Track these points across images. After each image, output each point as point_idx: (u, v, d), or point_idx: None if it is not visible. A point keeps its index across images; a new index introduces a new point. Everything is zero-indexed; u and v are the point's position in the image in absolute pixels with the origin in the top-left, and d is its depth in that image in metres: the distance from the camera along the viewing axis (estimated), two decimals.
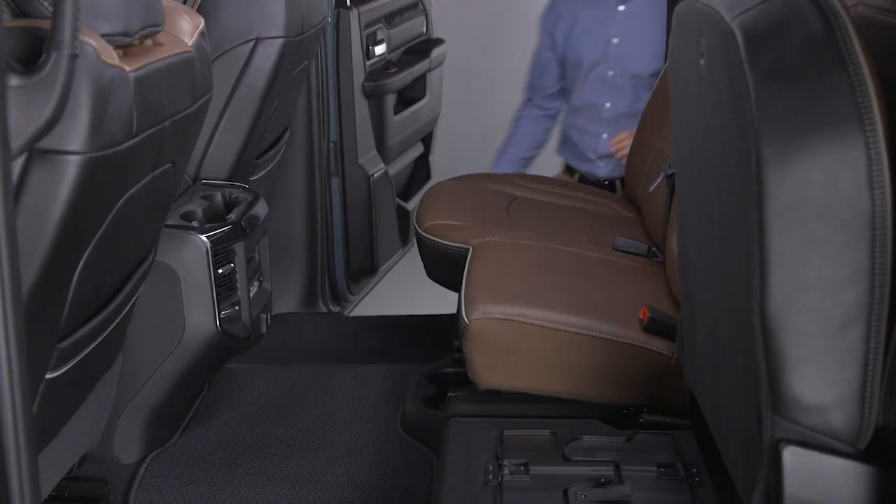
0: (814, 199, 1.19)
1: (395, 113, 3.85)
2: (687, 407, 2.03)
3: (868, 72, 1.18)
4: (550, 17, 3.22)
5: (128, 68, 1.51)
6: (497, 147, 3.54)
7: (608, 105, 3.15)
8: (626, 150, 2.95)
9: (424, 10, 4.09)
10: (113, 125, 1.44)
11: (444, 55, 4.11)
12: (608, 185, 3.23)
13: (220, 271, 2.29)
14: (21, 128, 1.30)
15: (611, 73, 3.10)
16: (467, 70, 4.70)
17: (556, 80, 3.27)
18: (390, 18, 3.85)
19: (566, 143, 3.33)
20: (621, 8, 3.08)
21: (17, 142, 1.30)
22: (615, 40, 3.09)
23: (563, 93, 3.30)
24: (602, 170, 3.21)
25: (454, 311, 3.02)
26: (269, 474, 2.30)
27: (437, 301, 3.67)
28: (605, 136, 3.16)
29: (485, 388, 2.10)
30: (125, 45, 1.58)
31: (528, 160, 3.42)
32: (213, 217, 2.44)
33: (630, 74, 3.11)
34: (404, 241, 4.03)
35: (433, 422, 2.27)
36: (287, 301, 3.51)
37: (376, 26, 3.71)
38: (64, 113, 1.33)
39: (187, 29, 1.87)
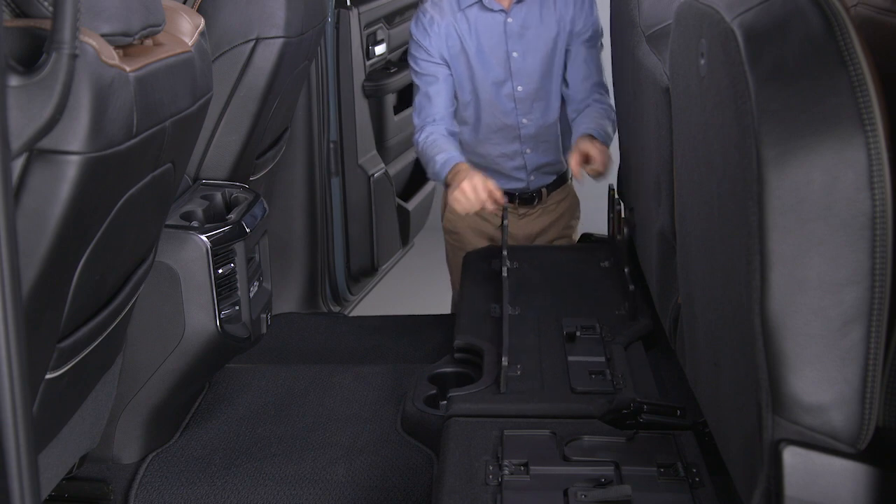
0: (814, 200, 1.20)
1: (395, 113, 3.85)
2: (687, 407, 2.03)
3: (868, 72, 1.18)
4: (430, 36, 2.88)
5: (128, 68, 1.51)
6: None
7: (524, 121, 2.98)
8: (600, 166, 2.68)
9: None
10: (113, 125, 1.44)
11: None
12: (531, 197, 3.10)
13: (220, 271, 2.29)
14: (21, 128, 1.30)
15: (520, 88, 2.93)
16: None
17: (451, 101, 2.94)
18: (390, 18, 3.86)
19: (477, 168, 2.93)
20: (510, 20, 2.88)
21: (17, 142, 1.31)
22: (515, 54, 2.90)
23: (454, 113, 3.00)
24: (533, 183, 3.08)
25: (452, 310, 3.02)
26: (269, 474, 2.30)
27: (437, 301, 3.68)
28: (527, 151, 3.02)
29: None
30: (125, 45, 1.58)
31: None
32: (213, 217, 2.44)
33: (542, 87, 2.95)
34: (404, 241, 4.03)
35: (433, 422, 2.27)
36: (287, 301, 3.51)
37: (376, 26, 3.71)
38: (64, 113, 1.33)
39: (187, 29, 1.87)
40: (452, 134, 2.92)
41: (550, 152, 3.07)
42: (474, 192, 2.66)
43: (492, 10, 2.87)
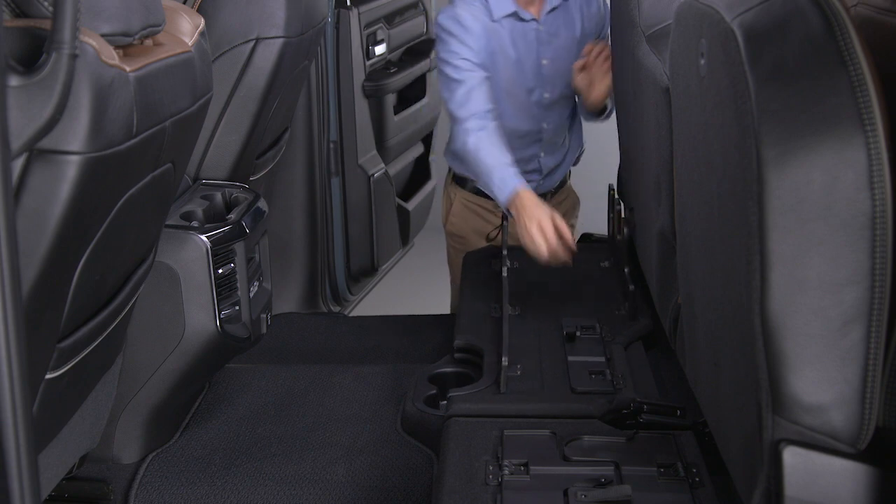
0: (814, 200, 1.20)
1: (395, 113, 3.85)
2: (687, 407, 2.03)
3: (868, 72, 1.18)
4: (473, 35, 2.81)
5: (128, 68, 1.51)
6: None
7: (545, 126, 2.99)
8: (605, 62, 2.73)
9: (424, 10, 4.09)
10: (113, 125, 1.44)
11: None
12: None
13: (220, 271, 2.29)
14: (21, 128, 1.30)
15: (546, 95, 2.94)
16: None
17: (491, 97, 2.81)
18: (390, 18, 3.85)
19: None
20: (541, 28, 2.87)
21: (17, 142, 1.31)
22: (544, 61, 2.90)
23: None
24: (543, 186, 3.06)
25: (451, 311, 3.02)
26: (269, 474, 2.30)
27: (437, 301, 3.68)
28: (542, 155, 3.04)
29: None
30: (125, 45, 1.58)
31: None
32: (213, 217, 2.44)
33: (563, 93, 2.97)
34: (404, 241, 4.03)
35: (433, 422, 2.27)
36: (287, 301, 3.51)
37: (376, 26, 3.71)
38: (64, 113, 1.33)
39: (187, 29, 1.87)
40: (498, 131, 2.77)
41: (561, 154, 3.10)
42: (544, 238, 2.50)
43: (524, 20, 2.87)
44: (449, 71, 2.83)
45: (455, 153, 2.89)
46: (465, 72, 2.81)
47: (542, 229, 2.50)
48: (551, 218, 2.52)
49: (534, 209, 2.54)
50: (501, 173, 2.65)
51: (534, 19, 2.87)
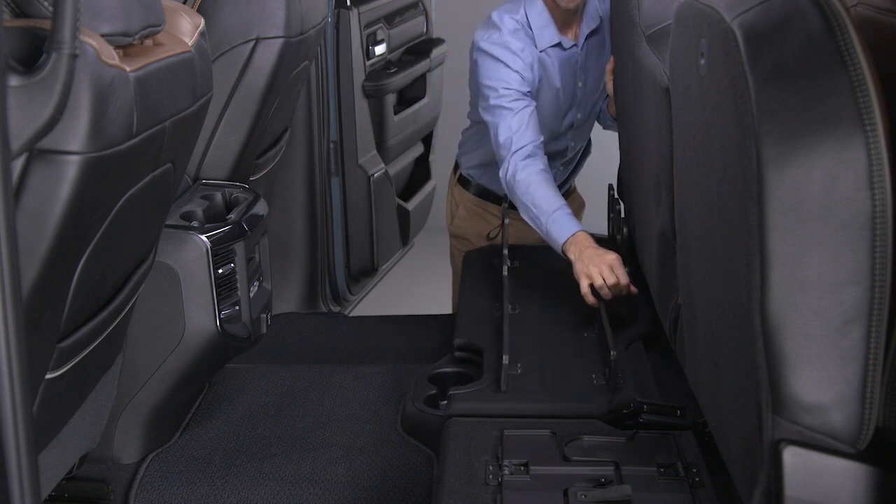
0: (814, 200, 1.20)
1: (395, 113, 3.85)
2: (687, 407, 2.03)
3: (868, 72, 1.18)
4: (523, 62, 2.78)
5: (128, 68, 1.51)
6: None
7: (572, 144, 3.04)
8: None
9: (424, 10, 4.09)
10: (113, 125, 1.44)
11: (444, 55, 4.11)
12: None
13: (220, 271, 2.29)
14: (21, 128, 1.30)
15: (579, 116, 2.97)
16: (468, 70, 4.69)
17: (538, 129, 2.78)
18: (390, 18, 3.85)
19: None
20: (580, 53, 2.89)
21: (17, 142, 1.31)
22: (580, 84, 2.92)
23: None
24: None
25: (454, 311, 3.02)
26: (269, 474, 2.30)
27: (437, 301, 3.68)
28: (560, 167, 3.08)
29: None
30: (125, 45, 1.58)
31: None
32: (213, 217, 2.44)
33: (593, 111, 3.01)
34: (404, 241, 4.03)
35: (433, 422, 2.27)
36: (287, 301, 3.51)
37: (376, 26, 3.71)
38: (64, 113, 1.33)
39: (187, 29, 1.87)
40: (547, 168, 2.76)
41: (572, 166, 3.14)
42: (602, 279, 2.49)
43: (566, 49, 2.86)
44: (496, 98, 2.77)
45: (503, 182, 2.78)
46: (515, 101, 2.75)
47: (602, 274, 2.48)
48: (611, 264, 2.49)
49: (592, 257, 2.51)
50: (558, 218, 2.62)
51: (574, 45, 2.87)
